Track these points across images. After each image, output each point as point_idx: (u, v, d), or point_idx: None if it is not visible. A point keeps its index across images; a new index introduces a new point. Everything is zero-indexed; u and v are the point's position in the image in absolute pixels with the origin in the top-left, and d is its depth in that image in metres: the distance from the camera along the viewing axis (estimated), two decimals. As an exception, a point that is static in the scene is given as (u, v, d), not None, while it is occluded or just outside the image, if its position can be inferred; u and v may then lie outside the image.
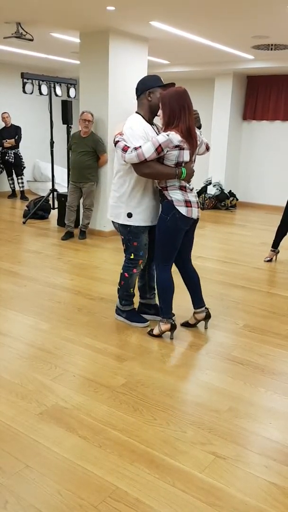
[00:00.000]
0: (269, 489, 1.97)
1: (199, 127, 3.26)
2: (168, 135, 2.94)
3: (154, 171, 3.03)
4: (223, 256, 5.56)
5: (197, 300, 3.48)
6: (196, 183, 9.17)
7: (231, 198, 9.06)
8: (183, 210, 3.09)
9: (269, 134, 9.02)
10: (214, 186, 9.08)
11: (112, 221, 3.42)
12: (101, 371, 2.87)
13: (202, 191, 9.06)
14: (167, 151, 2.98)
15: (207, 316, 3.50)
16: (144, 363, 3.00)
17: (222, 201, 8.95)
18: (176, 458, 2.13)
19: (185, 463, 2.11)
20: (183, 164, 3.05)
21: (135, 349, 3.18)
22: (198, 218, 3.25)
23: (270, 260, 5.43)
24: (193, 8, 4.57)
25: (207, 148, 3.34)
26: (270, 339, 3.40)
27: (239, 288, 4.48)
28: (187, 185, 3.13)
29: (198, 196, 9.03)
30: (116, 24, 5.44)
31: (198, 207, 3.21)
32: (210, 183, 9.09)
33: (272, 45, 6.24)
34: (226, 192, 9.08)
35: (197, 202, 3.20)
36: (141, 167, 3.02)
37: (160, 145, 2.93)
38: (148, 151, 2.93)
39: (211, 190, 9.11)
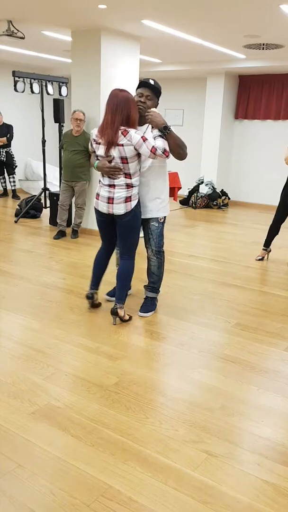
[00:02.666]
0: (261, 487, 1.98)
1: (165, 128, 3.30)
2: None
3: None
4: (215, 255, 5.58)
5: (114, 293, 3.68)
6: (188, 182, 9.19)
7: (223, 197, 9.09)
8: (94, 201, 3.48)
9: (260, 133, 9.05)
10: (206, 185, 9.10)
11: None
12: (93, 370, 2.87)
13: (194, 190, 9.07)
14: (94, 144, 3.38)
15: (114, 313, 3.53)
16: (137, 362, 3.00)
17: (214, 200, 8.98)
18: (168, 457, 2.14)
19: (177, 461, 2.11)
20: (98, 157, 3.35)
21: (128, 348, 3.19)
22: (118, 215, 3.38)
23: (262, 259, 5.45)
24: (185, 7, 4.57)
25: (154, 153, 3.22)
26: (261, 337, 3.42)
27: (231, 286, 4.50)
28: (102, 179, 3.40)
29: (190, 195, 9.04)
30: (108, 23, 5.43)
31: (107, 203, 3.37)
32: (202, 182, 9.11)
33: (263, 44, 6.26)
34: (218, 191, 9.10)
35: (109, 198, 3.36)
36: None
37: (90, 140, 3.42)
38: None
39: (203, 189, 9.13)
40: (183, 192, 9.14)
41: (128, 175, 3.32)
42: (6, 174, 9.07)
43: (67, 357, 3.02)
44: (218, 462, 2.12)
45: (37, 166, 9.64)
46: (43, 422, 2.36)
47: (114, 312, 3.51)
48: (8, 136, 8.70)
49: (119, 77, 6.02)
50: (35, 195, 7.24)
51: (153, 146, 3.21)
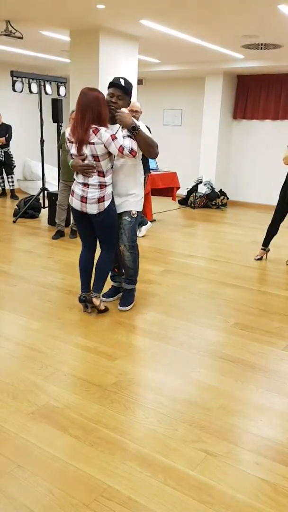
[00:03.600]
0: (260, 486, 1.98)
1: (133, 129, 3.32)
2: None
3: None
4: (213, 255, 5.58)
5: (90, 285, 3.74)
6: (187, 182, 9.19)
7: (222, 197, 9.09)
8: (69, 198, 3.54)
9: (259, 133, 9.06)
10: (204, 185, 9.10)
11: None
12: (92, 370, 2.87)
13: (193, 190, 9.07)
14: (68, 143, 3.42)
15: (89, 301, 3.67)
16: (136, 361, 3.00)
17: (212, 200, 8.98)
18: (167, 456, 2.14)
19: (176, 461, 2.11)
20: (72, 156, 3.38)
21: (126, 347, 3.18)
22: (94, 213, 3.40)
23: (261, 259, 5.46)
24: (184, 7, 4.57)
25: (121, 152, 3.23)
26: (260, 337, 3.42)
27: (230, 286, 4.50)
28: (77, 177, 3.43)
29: (189, 195, 9.04)
30: (106, 23, 5.43)
31: (81, 201, 3.40)
32: (200, 182, 9.11)
33: (262, 44, 6.26)
34: (216, 191, 9.11)
35: (82, 197, 3.39)
36: None
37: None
38: None
39: (202, 189, 9.13)
40: (182, 192, 9.14)
41: (101, 173, 3.34)
42: (4, 174, 9.06)
43: (66, 357, 3.02)
44: (218, 461, 2.12)
45: (36, 166, 9.63)
46: (42, 422, 2.35)
47: (89, 301, 3.62)
48: (6, 136, 8.70)
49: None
50: (34, 195, 7.24)
51: (120, 145, 3.23)
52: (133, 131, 3.30)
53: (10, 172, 8.94)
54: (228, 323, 3.66)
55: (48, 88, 6.92)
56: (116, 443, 2.22)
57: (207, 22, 5.14)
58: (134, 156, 3.28)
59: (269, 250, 5.50)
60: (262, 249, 5.46)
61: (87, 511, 1.83)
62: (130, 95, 3.47)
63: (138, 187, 3.63)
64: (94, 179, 3.35)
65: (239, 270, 5.01)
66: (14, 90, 6.52)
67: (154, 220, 7.31)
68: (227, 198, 9.26)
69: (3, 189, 9.27)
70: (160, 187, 7.27)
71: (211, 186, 9.06)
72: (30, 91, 6.71)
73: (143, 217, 6.33)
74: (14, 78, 6.49)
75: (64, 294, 4.12)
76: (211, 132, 9.05)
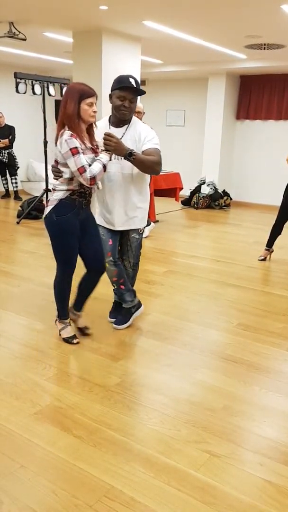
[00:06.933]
0: (263, 487, 1.97)
1: (130, 155, 2.93)
2: None
3: None
4: (217, 255, 5.57)
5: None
6: (190, 183, 9.18)
7: (225, 198, 9.08)
8: None
9: (262, 134, 9.04)
10: (208, 185, 9.10)
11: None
12: (95, 371, 2.87)
13: (196, 190, 9.07)
14: None
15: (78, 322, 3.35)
16: (139, 362, 3.00)
17: (216, 201, 8.97)
18: (171, 457, 2.14)
19: (180, 461, 2.11)
20: None
21: (130, 348, 3.18)
22: None
23: (264, 259, 5.44)
24: (186, 7, 4.57)
25: (80, 174, 2.80)
26: (264, 338, 3.41)
27: (233, 286, 4.49)
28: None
29: (192, 195, 9.04)
30: (109, 24, 5.44)
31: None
32: (204, 183, 9.11)
33: (264, 44, 6.25)
34: (220, 191, 9.10)
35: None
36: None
37: None
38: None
39: (205, 190, 9.12)
40: (185, 192, 9.14)
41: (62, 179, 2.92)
42: (8, 175, 9.09)
43: (69, 357, 3.02)
44: (221, 462, 2.12)
45: (39, 167, 9.65)
46: (45, 422, 2.35)
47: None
48: (10, 137, 8.72)
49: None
50: (37, 196, 7.25)
51: (82, 166, 2.76)
52: (130, 158, 2.89)
53: (13, 173, 8.96)
54: (232, 323, 3.65)
55: (51, 90, 6.93)
56: (119, 443, 2.22)
57: (209, 22, 5.14)
58: (90, 185, 2.83)
59: (272, 251, 5.48)
60: (265, 249, 5.45)
61: (90, 511, 1.83)
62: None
63: (145, 200, 3.30)
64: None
65: (243, 271, 5.00)
66: (17, 91, 6.54)
67: (157, 221, 7.31)
68: (230, 199, 9.24)
69: (7, 190, 9.29)
70: (163, 187, 7.27)
71: (214, 187, 9.05)
72: (34, 93, 6.72)
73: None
74: (18, 80, 6.50)
75: (67, 295, 4.12)
76: (214, 133, 9.04)
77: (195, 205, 8.90)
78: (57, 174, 2.91)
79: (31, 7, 4.81)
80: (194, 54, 7.22)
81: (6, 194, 9.30)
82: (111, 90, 3.09)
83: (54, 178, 2.95)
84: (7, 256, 5.23)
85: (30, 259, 5.17)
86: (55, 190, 2.95)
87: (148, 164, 3.00)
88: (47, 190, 7.22)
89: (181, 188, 7.77)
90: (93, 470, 2.04)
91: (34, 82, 6.69)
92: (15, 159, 8.95)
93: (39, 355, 3.03)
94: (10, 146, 8.77)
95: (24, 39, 5.69)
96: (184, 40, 6.06)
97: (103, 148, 2.89)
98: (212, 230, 7.06)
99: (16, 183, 9.02)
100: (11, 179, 8.98)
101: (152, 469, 2.06)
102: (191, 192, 9.15)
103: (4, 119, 8.82)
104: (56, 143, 2.87)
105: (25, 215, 7.04)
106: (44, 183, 7.81)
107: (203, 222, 7.68)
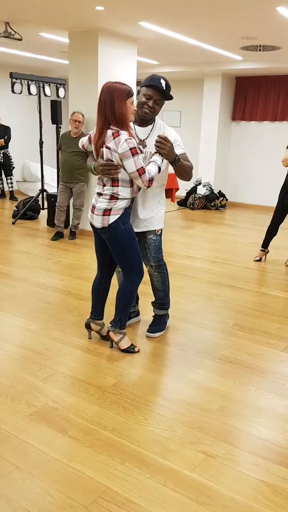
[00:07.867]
0: (259, 487, 1.98)
1: (177, 160, 2.95)
2: None
3: None
4: (212, 256, 5.58)
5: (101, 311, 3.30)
6: (186, 183, 9.19)
7: (221, 198, 9.09)
8: None
9: (258, 135, 9.07)
10: (203, 186, 9.11)
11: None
12: (91, 372, 2.87)
13: (192, 191, 9.08)
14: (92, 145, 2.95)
15: (88, 327, 3.31)
16: (135, 363, 3.00)
17: (211, 201, 8.98)
18: (166, 458, 2.14)
19: (175, 462, 2.11)
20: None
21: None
22: (99, 227, 2.96)
23: (260, 260, 5.46)
24: (182, 9, 4.58)
25: (140, 175, 2.78)
26: (259, 338, 3.42)
27: (229, 287, 4.50)
28: (97, 187, 3.01)
29: (188, 196, 9.05)
30: (105, 24, 5.44)
31: (91, 211, 2.98)
32: (199, 183, 9.12)
33: (260, 46, 6.27)
34: (215, 192, 9.11)
35: (93, 206, 2.97)
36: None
37: None
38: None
39: (201, 190, 9.13)
40: (181, 193, 9.14)
41: (115, 182, 2.84)
42: (3, 176, 9.07)
43: (65, 358, 3.02)
44: (216, 463, 2.12)
45: (35, 167, 9.64)
46: (41, 423, 2.35)
47: (88, 326, 3.29)
48: (5, 137, 8.70)
49: (116, 79, 6.00)
50: (33, 197, 7.24)
51: (142, 167, 2.73)
52: (175, 163, 2.89)
53: (9, 173, 8.94)
54: (227, 324, 3.66)
55: (47, 90, 6.93)
56: (115, 444, 2.22)
57: (206, 24, 5.15)
58: (147, 187, 2.81)
59: (268, 251, 5.50)
60: (261, 250, 5.46)
61: (86, 512, 1.82)
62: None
63: (163, 201, 3.31)
64: (107, 189, 2.87)
65: (238, 271, 5.01)
66: (13, 91, 6.53)
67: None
68: (226, 200, 9.26)
69: (2, 190, 9.27)
70: (159, 188, 7.25)
71: (210, 188, 9.06)
72: (29, 93, 6.71)
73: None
74: (13, 80, 6.49)
75: (63, 296, 4.12)
76: (210, 134, 9.05)
77: (191, 206, 8.91)
78: (114, 169, 2.77)
79: (27, 7, 4.81)
80: (190, 55, 7.23)
81: (2, 195, 9.27)
82: (140, 86, 2.98)
83: (109, 176, 2.81)
84: (3, 257, 5.22)
85: (25, 259, 5.16)
86: (116, 198, 2.87)
87: (188, 170, 3.03)
88: (42, 191, 7.22)
89: (177, 189, 7.77)
90: (89, 471, 2.03)
91: (30, 82, 6.69)
92: (11, 159, 8.93)
93: (35, 356, 3.03)
94: (5, 146, 8.75)
95: (20, 39, 5.68)
96: (180, 41, 6.06)
97: (156, 151, 2.86)
98: (208, 231, 7.07)
99: (11, 183, 9.00)
100: (7, 179, 8.96)
101: (147, 469, 2.06)
102: (187, 193, 9.16)
103: (0, 119, 8.80)
104: (98, 143, 2.78)
105: (20, 216, 7.02)
106: (40, 183, 7.80)
107: (199, 222, 7.69)
